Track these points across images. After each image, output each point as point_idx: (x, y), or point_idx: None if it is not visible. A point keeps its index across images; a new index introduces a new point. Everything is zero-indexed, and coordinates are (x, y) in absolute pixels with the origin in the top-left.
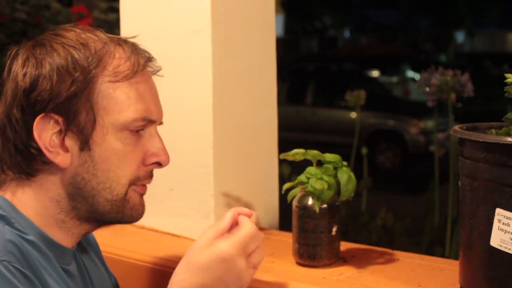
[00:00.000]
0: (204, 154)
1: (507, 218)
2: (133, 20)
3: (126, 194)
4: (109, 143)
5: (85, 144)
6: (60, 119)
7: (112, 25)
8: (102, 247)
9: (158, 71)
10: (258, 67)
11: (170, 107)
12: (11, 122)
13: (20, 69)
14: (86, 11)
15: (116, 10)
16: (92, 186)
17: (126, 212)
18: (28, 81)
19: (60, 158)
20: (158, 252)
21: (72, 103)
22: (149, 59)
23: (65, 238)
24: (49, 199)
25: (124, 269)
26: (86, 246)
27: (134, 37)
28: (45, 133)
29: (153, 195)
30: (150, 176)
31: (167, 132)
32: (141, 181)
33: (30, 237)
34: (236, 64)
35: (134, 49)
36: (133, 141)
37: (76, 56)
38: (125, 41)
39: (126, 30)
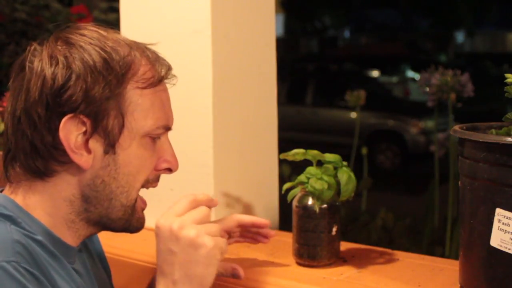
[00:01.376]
0: (204, 154)
1: (507, 218)
2: (133, 20)
3: (135, 201)
4: (133, 149)
5: (110, 148)
6: (88, 121)
7: (112, 25)
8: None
9: (173, 78)
10: (258, 67)
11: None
12: (31, 119)
13: (48, 67)
14: (86, 11)
15: (116, 10)
16: (111, 189)
17: (133, 222)
18: (60, 80)
19: (84, 160)
20: None
21: (103, 107)
22: (169, 67)
23: (71, 238)
24: (62, 199)
25: (124, 269)
26: (87, 242)
27: (154, 44)
28: (72, 134)
29: (153, 195)
30: (157, 180)
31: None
32: (150, 183)
33: (38, 237)
34: (236, 64)
35: (157, 57)
36: (152, 147)
37: (108, 58)
38: (148, 49)
39: (126, 30)
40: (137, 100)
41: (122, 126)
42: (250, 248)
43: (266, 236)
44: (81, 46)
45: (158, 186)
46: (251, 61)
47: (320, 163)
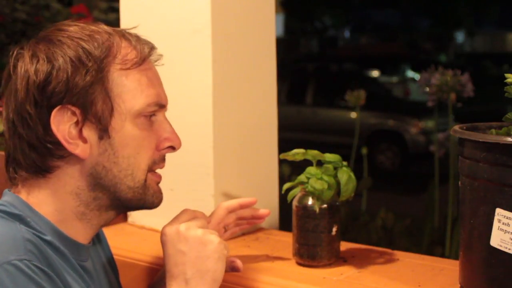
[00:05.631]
0: (204, 154)
1: (507, 218)
2: (133, 20)
3: (146, 180)
4: (128, 130)
5: (104, 133)
6: (77, 110)
7: (112, 25)
8: None
9: (159, 59)
10: (258, 67)
11: (170, 106)
12: (23, 119)
13: (30, 66)
14: (86, 11)
15: (116, 10)
16: (114, 174)
17: (147, 199)
18: (42, 75)
19: (80, 149)
20: (158, 252)
21: (89, 93)
22: (153, 47)
23: (84, 231)
24: (68, 193)
25: (124, 269)
26: (96, 243)
27: (135, 27)
28: (63, 125)
29: None
30: (163, 160)
31: None
32: (157, 165)
33: (47, 237)
34: (236, 64)
35: (138, 38)
36: (148, 127)
37: (86, 46)
38: (128, 33)
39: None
40: (122, 81)
41: (111, 109)
42: (250, 248)
43: (260, 217)
44: (59, 40)
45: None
46: (251, 61)
47: (320, 163)
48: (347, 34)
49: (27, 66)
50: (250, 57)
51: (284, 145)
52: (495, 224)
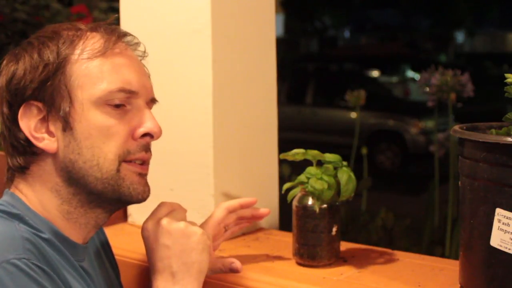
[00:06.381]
0: (204, 154)
1: (507, 218)
2: (133, 20)
3: (118, 171)
4: (89, 119)
5: (66, 124)
6: (40, 105)
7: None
8: None
9: (134, 45)
10: (258, 67)
11: (170, 107)
12: (3, 120)
13: (4, 70)
14: (86, 11)
15: (116, 10)
16: (80, 166)
17: (123, 191)
18: (8, 76)
19: (46, 143)
20: None
21: (47, 87)
22: (124, 34)
23: (75, 231)
24: (49, 191)
25: (124, 269)
26: (96, 242)
27: (115, 15)
28: (29, 121)
29: (153, 195)
30: (144, 149)
31: (168, 132)
32: (132, 155)
33: (46, 235)
34: (236, 64)
35: (110, 30)
36: (116, 116)
37: (49, 43)
38: (100, 25)
39: (126, 30)
40: (82, 71)
41: (70, 100)
42: (250, 248)
43: (260, 216)
44: (29, 42)
45: (158, 186)
46: (251, 61)
47: (320, 163)
48: (347, 34)
49: (2, 70)
50: (250, 57)
51: (284, 145)
52: (495, 224)
